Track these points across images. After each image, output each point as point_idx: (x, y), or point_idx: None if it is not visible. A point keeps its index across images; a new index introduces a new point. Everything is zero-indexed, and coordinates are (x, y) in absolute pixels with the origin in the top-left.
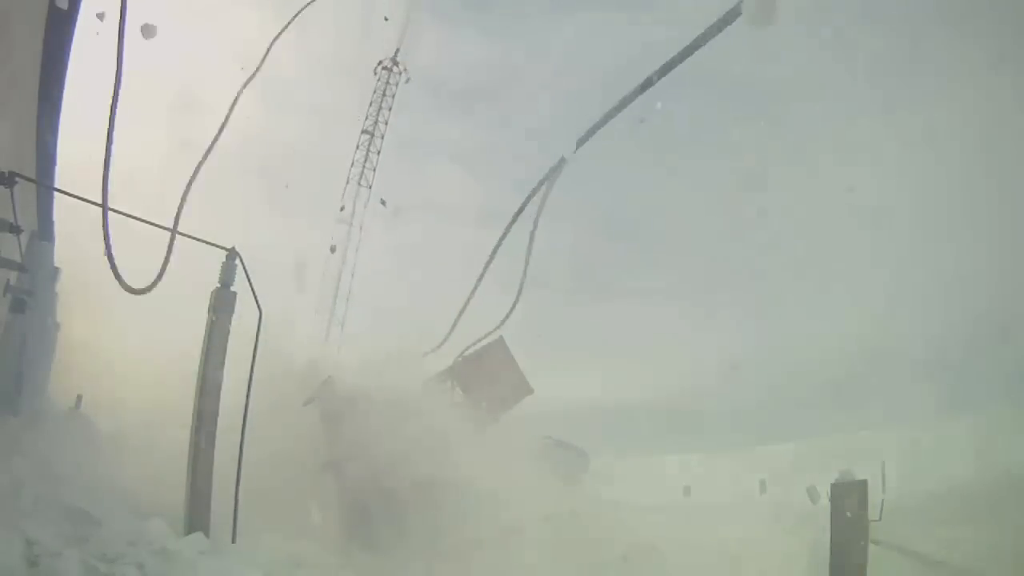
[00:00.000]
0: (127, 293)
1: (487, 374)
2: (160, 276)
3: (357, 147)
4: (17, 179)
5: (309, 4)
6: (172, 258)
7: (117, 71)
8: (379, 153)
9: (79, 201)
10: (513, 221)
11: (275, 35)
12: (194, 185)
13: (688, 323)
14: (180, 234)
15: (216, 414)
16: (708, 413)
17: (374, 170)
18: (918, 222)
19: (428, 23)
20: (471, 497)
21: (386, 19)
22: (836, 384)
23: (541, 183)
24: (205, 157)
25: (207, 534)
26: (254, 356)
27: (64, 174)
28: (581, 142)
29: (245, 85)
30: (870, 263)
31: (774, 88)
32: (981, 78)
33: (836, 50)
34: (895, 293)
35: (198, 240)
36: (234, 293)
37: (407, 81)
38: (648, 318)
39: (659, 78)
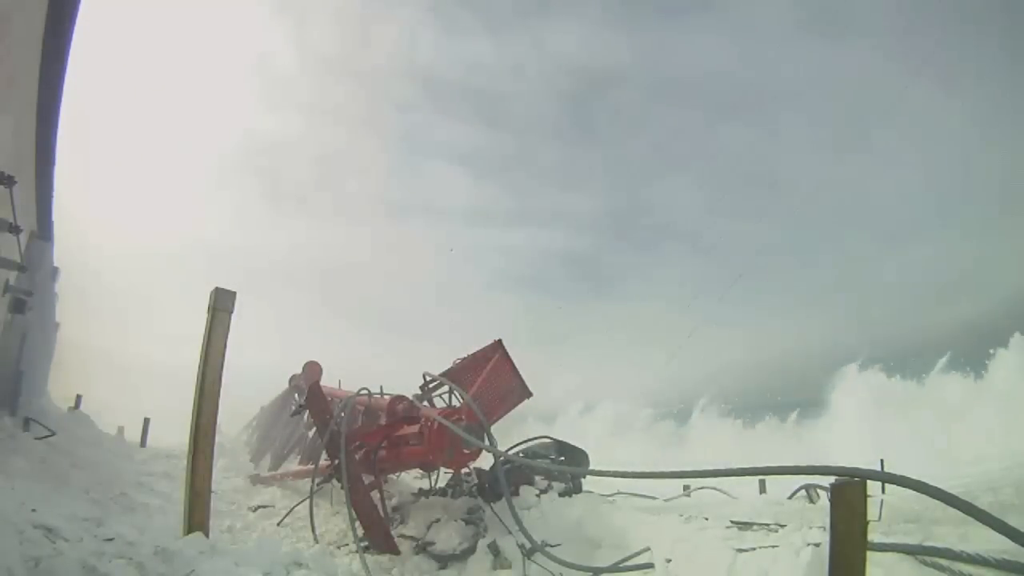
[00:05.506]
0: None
1: (484, 377)
2: None
3: None
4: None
5: None
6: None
7: None
8: None
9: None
10: None
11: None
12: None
13: (692, 323)
14: None
15: (216, 413)
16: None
17: None
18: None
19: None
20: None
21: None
22: (836, 384)
23: None
24: None
25: (207, 534)
26: None
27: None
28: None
29: None
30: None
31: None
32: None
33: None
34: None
35: None
36: (233, 293)
37: None
38: (646, 318)
39: None
